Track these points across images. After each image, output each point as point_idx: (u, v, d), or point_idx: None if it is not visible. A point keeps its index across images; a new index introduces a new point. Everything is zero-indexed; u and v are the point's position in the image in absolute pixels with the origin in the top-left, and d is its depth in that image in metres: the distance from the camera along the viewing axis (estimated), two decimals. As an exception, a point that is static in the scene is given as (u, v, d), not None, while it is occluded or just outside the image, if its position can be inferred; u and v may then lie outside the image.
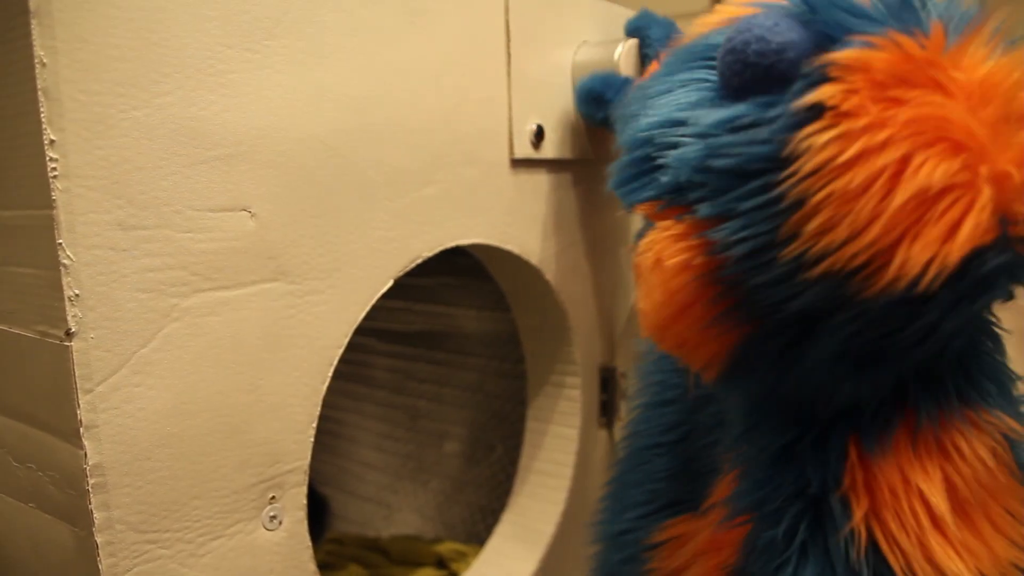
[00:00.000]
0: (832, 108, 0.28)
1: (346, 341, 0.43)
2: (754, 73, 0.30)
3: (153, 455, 0.35)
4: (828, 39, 0.30)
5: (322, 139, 0.41)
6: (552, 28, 0.56)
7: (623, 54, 0.56)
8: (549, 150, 0.56)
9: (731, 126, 0.30)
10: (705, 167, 0.31)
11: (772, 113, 0.30)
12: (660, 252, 0.32)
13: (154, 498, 0.35)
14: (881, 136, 0.27)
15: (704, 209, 0.31)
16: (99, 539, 0.33)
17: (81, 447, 0.33)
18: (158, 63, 0.34)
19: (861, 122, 0.28)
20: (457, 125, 0.49)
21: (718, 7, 0.37)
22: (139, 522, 0.35)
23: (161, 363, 0.35)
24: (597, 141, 0.62)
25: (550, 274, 0.59)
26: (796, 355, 0.32)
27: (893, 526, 0.32)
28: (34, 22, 0.30)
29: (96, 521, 0.33)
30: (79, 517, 0.34)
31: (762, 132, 0.30)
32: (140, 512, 0.35)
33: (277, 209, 0.39)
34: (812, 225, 0.28)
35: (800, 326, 0.31)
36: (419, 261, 0.48)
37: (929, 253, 0.27)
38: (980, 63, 0.30)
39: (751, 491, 0.36)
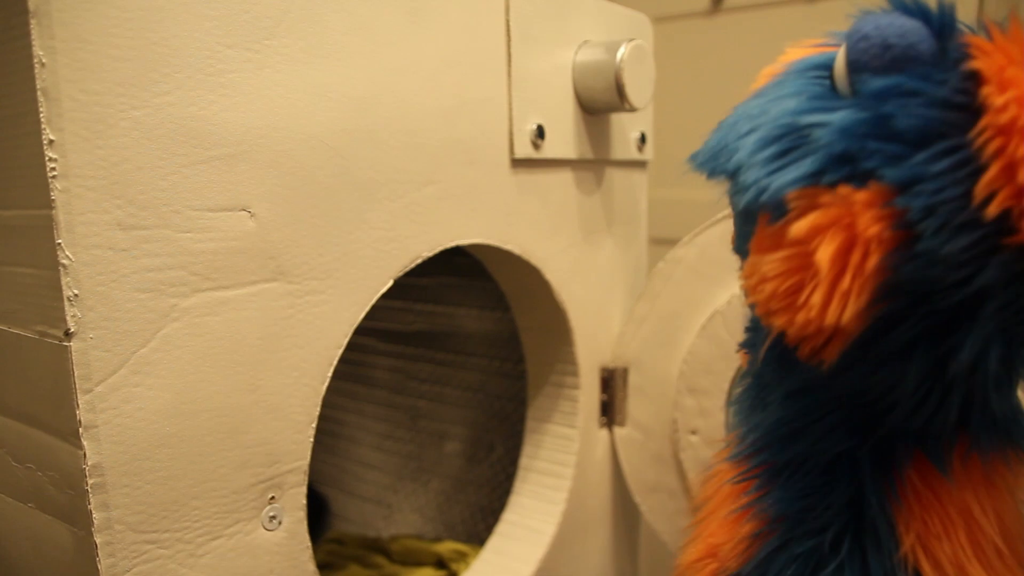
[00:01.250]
0: (993, 71, 0.28)
1: (346, 341, 0.43)
2: (895, 54, 0.30)
3: (152, 455, 0.35)
4: (948, 26, 0.30)
5: (322, 139, 0.41)
6: (553, 28, 0.56)
7: (626, 55, 0.55)
8: (550, 150, 0.56)
9: (900, 92, 0.29)
10: (881, 132, 0.29)
11: (938, 83, 0.29)
12: (834, 228, 0.29)
13: (153, 498, 0.35)
14: None
15: (892, 174, 0.28)
16: (98, 539, 0.33)
17: (80, 447, 0.33)
18: (158, 63, 0.34)
19: (1019, 75, 0.27)
20: (457, 125, 0.49)
21: (790, 50, 0.36)
22: (138, 522, 0.35)
23: (160, 363, 0.35)
24: (598, 141, 0.62)
25: (550, 274, 0.58)
26: (931, 346, 0.29)
27: (942, 558, 0.31)
28: (33, 22, 0.30)
29: (95, 521, 0.33)
30: (78, 517, 0.34)
31: (936, 95, 0.28)
32: (139, 512, 0.35)
33: (277, 209, 0.39)
34: (1005, 181, 0.26)
35: (955, 311, 0.29)
36: (419, 261, 0.48)
37: None
38: None
39: (793, 500, 0.35)
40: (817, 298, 0.29)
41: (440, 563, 0.74)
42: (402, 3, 0.45)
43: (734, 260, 0.56)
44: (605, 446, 0.66)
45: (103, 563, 0.34)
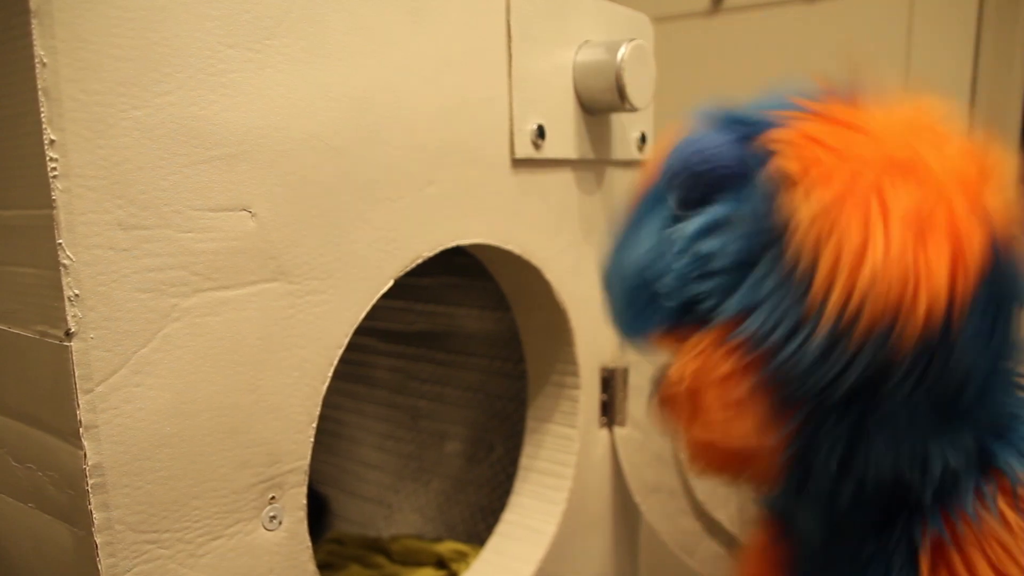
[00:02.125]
0: (798, 175, 0.30)
1: (346, 341, 0.43)
2: (707, 181, 0.32)
3: (153, 455, 0.35)
4: (757, 130, 0.32)
5: (323, 139, 0.41)
6: (553, 28, 0.56)
7: (626, 55, 0.55)
8: (550, 150, 0.56)
9: (714, 227, 0.31)
10: (708, 271, 0.31)
11: (745, 201, 0.31)
12: (702, 369, 0.31)
13: (154, 498, 0.35)
14: (847, 174, 0.29)
15: (731, 306, 0.31)
16: (98, 539, 0.33)
17: (81, 447, 0.33)
18: (159, 63, 0.34)
19: (828, 179, 0.29)
20: (458, 125, 0.49)
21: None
22: (138, 522, 0.35)
23: (161, 363, 0.35)
24: (598, 141, 0.62)
25: (550, 274, 0.58)
26: (873, 428, 0.30)
27: None
28: (34, 22, 0.29)
29: (95, 521, 0.33)
30: (79, 517, 0.34)
31: (744, 219, 0.31)
32: (140, 512, 0.35)
33: (278, 209, 0.39)
34: (834, 278, 0.28)
35: (863, 400, 0.30)
36: (419, 261, 0.48)
37: (946, 262, 0.28)
38: (893, 110, 0.33)
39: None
40: (718, 435, 0.32)
41: (440, 563, 0.74)
42: (403, 3, 0.45)
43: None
44: (605, 446, 0.66)
45: (103, 563, 0.34)
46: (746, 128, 0.33)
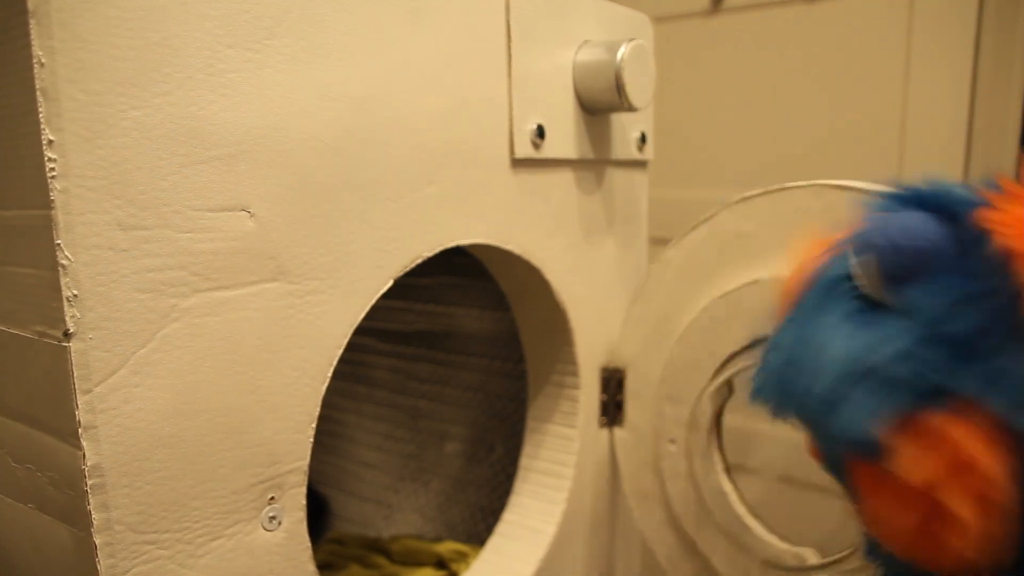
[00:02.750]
0: (1008, 246, 0.28)
1: (346, 341, 0.43)
2: (909, 257, 0.30)
3: (152, 456, 0.35)
4: (949, 212, 0.30)
5: (322, 139, 0.41)
6: (553, 28, 0.56)
7: (626, 55, 0.55)
8: (550, 150, 0.56)
9: (953, 303, 0.29)
10: (945, 346, 0.29)
11: (967, 270, 0.29)
12: (960, 457, 0.28)
13: (153, 499, 0.35)
14: None
15: (970, 385, 0.28)
16: (98, 540, 0.33)
17: (80, 448, 0.32)
18: (158, 63, 0.34)
19: None
20: (458, 125, 0.49)
21: (801, 255, 0.35)
22: (138, 523, 0.35)
23: (160, 363, 0.35)
24: (598, 141, 0.61)
25: (550, 274, 0.58)
26: None
27: None
28: (32, 22, 0.29)
29: (95, 522, 0.33)
30: (78, 518, 0.34)
31: (978, 285, 0.28)
32: (139, 513, 0.35)
33: (277, 209, 0.39)
34: None
35: None
36: (419, 261, 0.48)
37: None
38: None
39: None
40: (962, 542, 0.28)
41: (440, 563, 0.74)
42: (402, 3, 0.45)
43: (717, 264, 0.56)
44: (605, 446, 0.66)
45: (103, 563, 0.34)
46: (945, 207, 0.31)
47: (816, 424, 0.33)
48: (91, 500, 0.33)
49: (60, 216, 0.31)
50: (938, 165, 1.21)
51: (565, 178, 0.59)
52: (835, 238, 0.34)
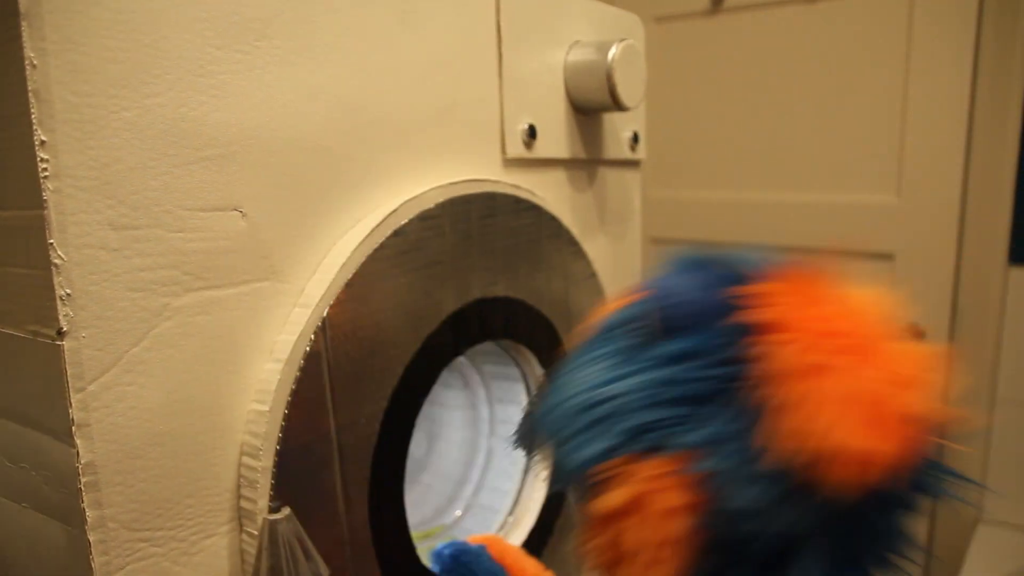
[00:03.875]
0: (770, 327, 0.30)
1: (339, 340, 0.44)
2: (675, 318, 0.32)
3: (145, 453, 0.35)
4: (731, 279, 0.33)
5: (313, 139, 0.41)
6: (544, 28, 0.56)
7: (617, 55, 0.56)
8: (541, 149, 0.56)
9: (668, 359, 0.32)
10: (661, 402, 0.31)
11: (715, 340, 0.31)
12: (643, 498, 0.31)
13: (146, 496, 0.36)
14: (809, 342, 0.30)
15: (686, 441, 0.30)
16: (91, 537, 0.34)
17: (73, 446, 0.33)
18: (149, 64, 0.34)
19: (792, 334, 0.30)
20: (449, 125, 0.50)
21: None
22: (131, 520, 0.35)
23: (153, 362, 0.35)
24: (590, 140, 0.62)
25: (545, 274, 0.59)
26: None
27: None
28: (24, 24, 0.30)
29: (88, 519, 0.33)
30: (72, 516, 0.34)
31: (705, 357, 0.31)
32: (132, 510, 0.35)
33: (268, 209, 0.40)
34: (783, 429, 0.29)
35: (782, 553, 0.30)
36: (412, 261, 0.48)
37: (866, 438, 0.29)
38: (848, 295, 0.34)
39: None
40: (633, 571, 0.31)
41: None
42: (392, 5, 0.45)
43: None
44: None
45: (96, 561, 0.34)
46: (721, 275, 0.34)
47: (550, 454, 0.35)
48: (85, 498, 0.33)
49: (53, 216, 0.31)
50: (938, 165, 1.21)
51: (557, 177, 0.59)
52: (631, 292, 0.37)
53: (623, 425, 0.31)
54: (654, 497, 0.30)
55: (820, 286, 0.33)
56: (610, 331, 0.35)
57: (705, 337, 0.32)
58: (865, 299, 0.34)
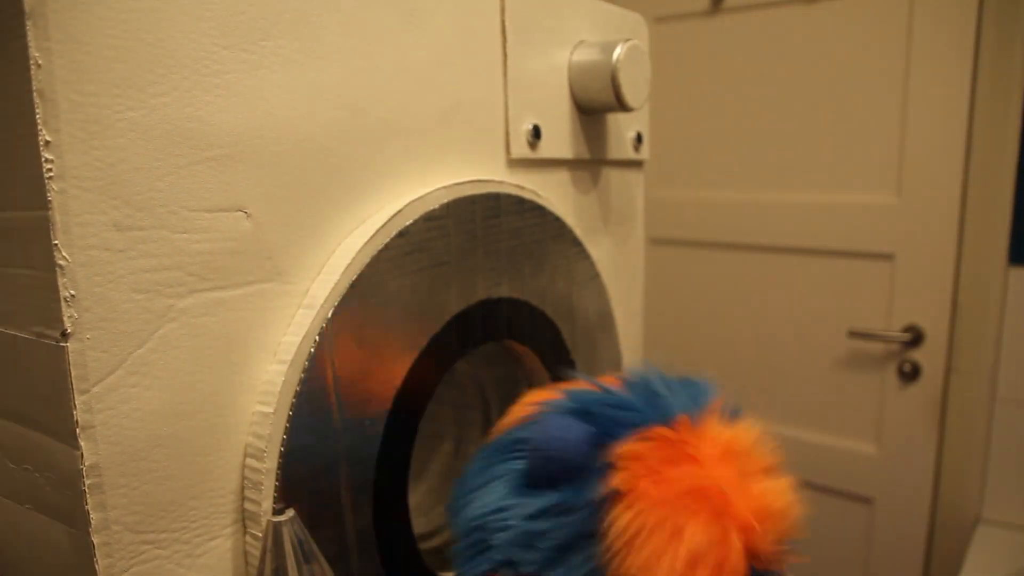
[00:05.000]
0: (623, 492, 0.38)
1: (343, 341, 0.43)
2: (557, 467, 0.40)
3: (149, 455, 0.35)
4: (607, 433, 0.40)
5: (318, 139, 0.41)
6: (548, 28, 0.56)
7: (621, 55, 0.56)
8: (546, 150, 0.56)
9: (547, 512, 0.40)
10: (531, 546, 0.39)
11: (579, 499, 0.39)
12: None
13: (150, 498, 0.35)
14: (663, 511, 0.38)
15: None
16: (95, 539, 0.33)
17: (77, 448, 0.33)
18: (154, 64, 0.34)
19: (645, 502, 0.38)
20: (453, 126, 0.49)
21: (520, 404, 0.46)
22: (135, 522, 0.35)
23: (157, 363, 0.35)
24: (594, 141, 0.62)
25: (548, 274, 0.58)
26: None
27: None
28: (29, 23, 0.30)
29: (92, 522, 0.33)
30: (76, 518, 0.34)
31: (575, 517, 0.39)
32: (137, 512, 0.35)
33: (273, 209, 0.39)
34: None
35: None
36: (416, 261, 0.48)
37: None
38: (719, 432, 0.42)
39: None
40: None
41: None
42: (397, 4, 0.45)
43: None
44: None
45: (101, 563, 0.34)
46: (599, 428, 0.41)
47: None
48: (89, 500, 0.33)
49: (57, 217, 0.31)
50: (938, 165, 1.21)
51: (561, 178, 0.59)
52: (534, 404, 0.45)
53: (499, 556, 0.40)
54: None
55: (685, 443, 0.41)
56: (509, 448, 0.44)
57: (571, 496, 0.39)
58: (734, 443, 0.42)
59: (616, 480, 0.39)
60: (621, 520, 0.38)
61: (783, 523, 0.41)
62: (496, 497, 0.42)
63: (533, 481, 0.41)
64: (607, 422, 0.41)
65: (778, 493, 0.41)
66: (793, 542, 0.41)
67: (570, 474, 0.40)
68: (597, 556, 0.38)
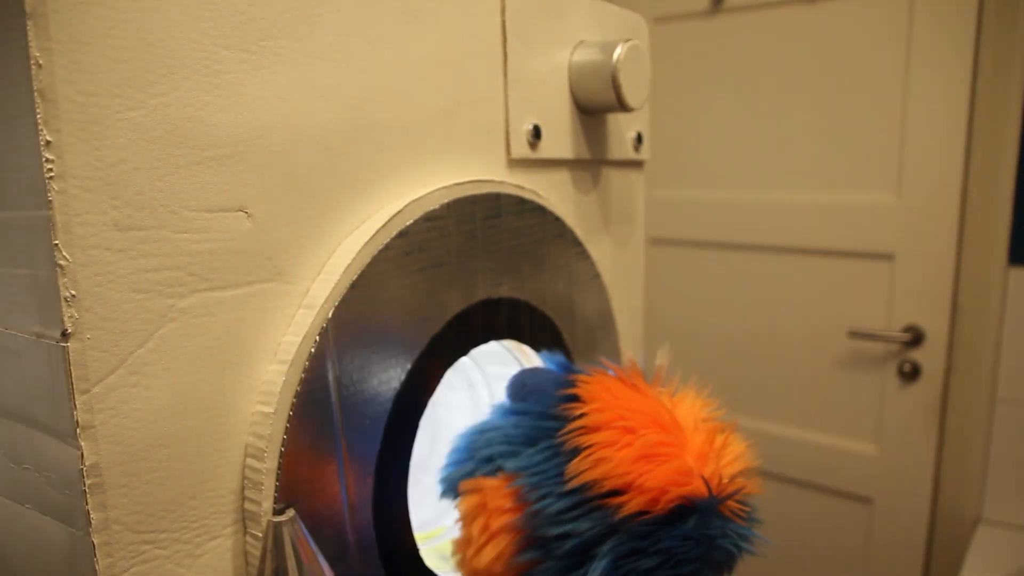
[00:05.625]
0: (583, 397, 0.45)
1: (343, 341, 0.43)
2: (529, 385, 0.49)
3: (150, 455, 0.35)
4: (571, 371, 0.49)
5: (318, 139, 0.41)
6: (548, 28, 0.56)
7: (622, 55, 0.56)
8: (546, 150, 0.56)
9: (515, 411, 0.48)
10: (508, 438, 0.46)
11: (542, 402, 0.47)
12: (484, 500, 0.46)
13: (151, 498, 0.35)
14: (615, 412, 0.44)
15: (510, 465, 0.45)
16: (96, 539, 0.33)
17: (78, 447, 0.33)
18: (154, 64, 0.34)
19: (601, 404, 0.44)
20: (453, 125, 0.49)
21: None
22: (136, 522, 0.35)
23: (158, 363, 0.35)
24: (594, 141, 0.62)
25: (548, 274, 0.58)
26: None
27: None
28: (30, 23, 0.30)
29: (93, 521, 0.33)
30: (76, 518, 0.34)
31: (538, 411, 0.46)
32: (137, 512, 0.35)
33: (274, 209, 0.39)
34: (585, 463, 0.42)
35: (583, 555, 0.42)
36: (416, 261, 0.48)
37: (656, 490, 0.41)
38: (669, 392, 0.49)
39: None
40: (471, 553, 0.46)
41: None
42: (397, 4, 0.45)
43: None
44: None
45: (101, 563, 0.34)
46: (567, 368, 0.51)
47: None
48: (89, 500, 0.33)
49: (58, 217, 0.31)
50: (938, 165, 1.21)
51: (562, 178, 0.59)
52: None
53: (480, 454, 0.48)
54: (492, 501, 0.45)
55: (639, 385, 0.47)
56: (498, 405, 0.51)
57: (539, 402, 0.47)
58: (685, 399, 0.48)
59: (577, 388, 0.46)
60: (578, 412, 0.44)
61: (733, 463, 0.45)
62: (483, 422, 0.50)
63: (512, 397, 0.49)
64: (570, 367, 0.50)
65: (728, 437, 0.46)
66: (749, 498, 0.45)
67: (540, 387, 0.48)
68: (557, 445, 0.44)
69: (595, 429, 0.43)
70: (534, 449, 0.44)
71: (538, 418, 0.46)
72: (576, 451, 0.43)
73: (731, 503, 0.43)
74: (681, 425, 0.45)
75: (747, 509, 0.44)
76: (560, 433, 0.44)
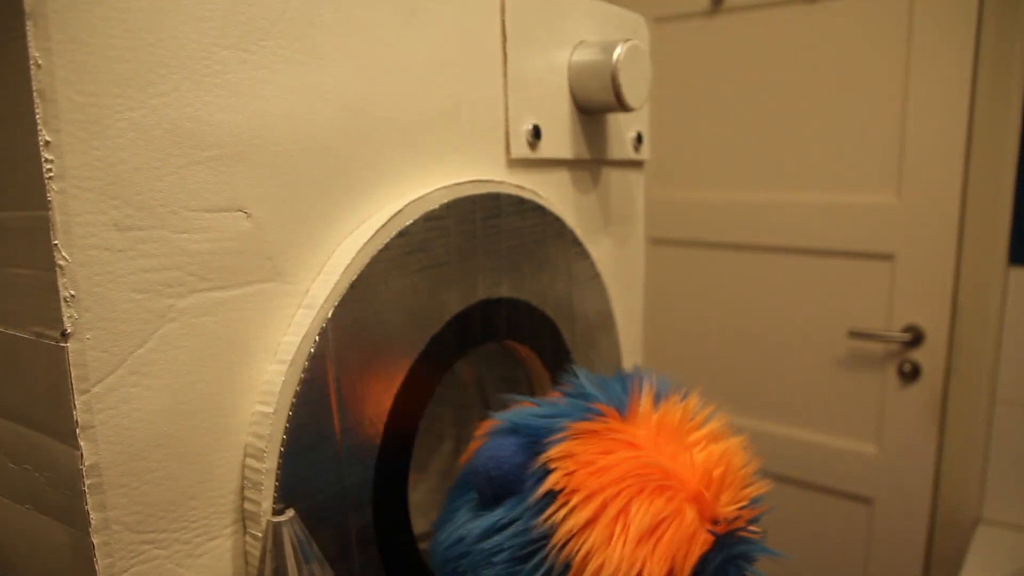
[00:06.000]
0: (559, 490, 0.40)
1: (343, 341, 0.43)
2: (497, 484, 0.43)
3: (149, 455, 0.35)
4: (536, 441, 0.43)
5: (318, 139, 0.41)
6: (548, 28, 0.56)
7: (622, 56, 0.56)
8: (546, 150, 0.56)
9: (494, 529, 0.42)
10: (491, 563, 0.42)
11: (520, 508, 0.41)
12: None
13: (150, 498, 0.35)
14: (602, 498, 0.39)
15: None
16: (95, 540, 0.33)
17: (77, 447, 0.33)
18: (154, 64, 0.34)
19: (585, 492, 0.39)
20: (453, 126, 0.49)
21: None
22: (135, 522, 0.35)
23: (157, 363, 0.35)
24: (594, 141, 0.62)
25: (548, 274, 0.58)
26: None
27: None
28: (29, 23, 0.30)
29: (92, 521, 0.33)
30: (75, 518, 0.34)
31: (520, 525, 0.41)
32: (136, 512, 0.35)
33: (273, 209, 0.39)
34: (589, 573, 0.38)
35: None
36: (416, 261, 0.48)
37: (667, 567, 0.38)
38: (650, 415, 0.44)
39: None
40: None
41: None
42: (397, 5, 0.45)
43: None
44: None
45: (100, 563, 0.34)
46: (528, 438, 0.44)
47: None
48: (89, 500, 0.33)
49: (57, 217, 0.31)
50: (938, 165, 1.21)
51: (561, 178, 0.59)
52: (481, 435, 0.47)
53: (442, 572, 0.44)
54: None
55: (616, 431, 0.43)
56: (464, 482, 0.46)
57: (513, 506, 0.42)
58: (665, 420, 0.44)
59: (551, 480, 0.41)
60: (560, 516, 0.40)
61: (735, 483, 0.42)
62: (456, 527, 0.45)
63: (482, 503, 0.44)
64: (534, 431, 0.44)
65: (724, 456, 0.42)
66: (755, 499, 0.43)
67: (510, 486, 0.43)
68: (549, 558, 0.40)
69: (586, 527, 0.39)
70: (526, 568, 0.41)
71: (520, 533, 0.41)
72: (571, 562, 0.39)
73: (743, 530, 0.41)
74: (674, 462, 0.42)
75: (759, 530, 0.42)
76: (549, 548, 0.40)
